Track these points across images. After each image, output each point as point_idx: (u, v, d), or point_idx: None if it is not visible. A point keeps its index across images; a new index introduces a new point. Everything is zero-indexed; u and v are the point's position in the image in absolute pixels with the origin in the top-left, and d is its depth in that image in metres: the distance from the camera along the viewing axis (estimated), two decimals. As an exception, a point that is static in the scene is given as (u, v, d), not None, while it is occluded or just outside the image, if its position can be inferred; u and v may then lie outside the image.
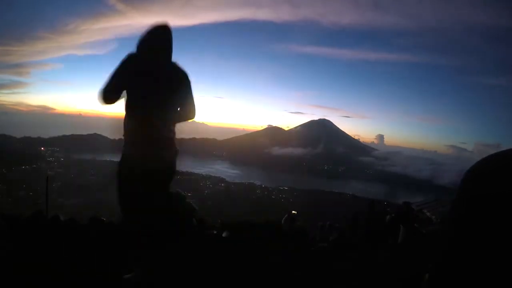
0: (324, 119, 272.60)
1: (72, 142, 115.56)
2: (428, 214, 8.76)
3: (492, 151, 0.47)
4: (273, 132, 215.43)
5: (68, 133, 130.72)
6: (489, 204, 0.44)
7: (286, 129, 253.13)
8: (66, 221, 4.05)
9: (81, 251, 2.64)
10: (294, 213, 6.19)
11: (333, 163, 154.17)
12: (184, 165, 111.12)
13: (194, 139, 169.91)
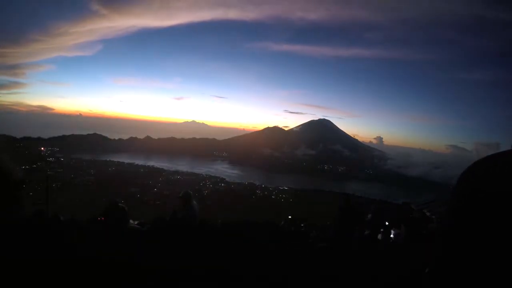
0: (323, 119, 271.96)
1: (72, 142, 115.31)
2: (428, 213, 8.76)
3: (491, 150, 0.49)
4: (273, 132, 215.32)
5: (68, 133, 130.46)
6: (488, 200, 0.45)
7: (286, 129, 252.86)
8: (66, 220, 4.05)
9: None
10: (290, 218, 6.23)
11: (333, 163, 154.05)
12: (184, 165, 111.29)
13: (194, 139, 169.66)
